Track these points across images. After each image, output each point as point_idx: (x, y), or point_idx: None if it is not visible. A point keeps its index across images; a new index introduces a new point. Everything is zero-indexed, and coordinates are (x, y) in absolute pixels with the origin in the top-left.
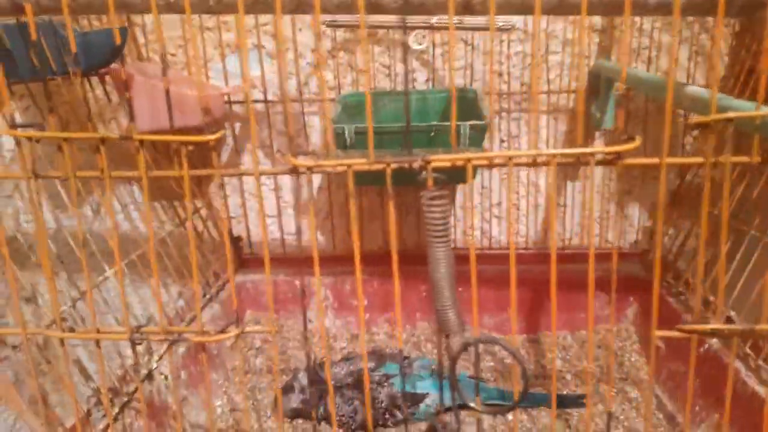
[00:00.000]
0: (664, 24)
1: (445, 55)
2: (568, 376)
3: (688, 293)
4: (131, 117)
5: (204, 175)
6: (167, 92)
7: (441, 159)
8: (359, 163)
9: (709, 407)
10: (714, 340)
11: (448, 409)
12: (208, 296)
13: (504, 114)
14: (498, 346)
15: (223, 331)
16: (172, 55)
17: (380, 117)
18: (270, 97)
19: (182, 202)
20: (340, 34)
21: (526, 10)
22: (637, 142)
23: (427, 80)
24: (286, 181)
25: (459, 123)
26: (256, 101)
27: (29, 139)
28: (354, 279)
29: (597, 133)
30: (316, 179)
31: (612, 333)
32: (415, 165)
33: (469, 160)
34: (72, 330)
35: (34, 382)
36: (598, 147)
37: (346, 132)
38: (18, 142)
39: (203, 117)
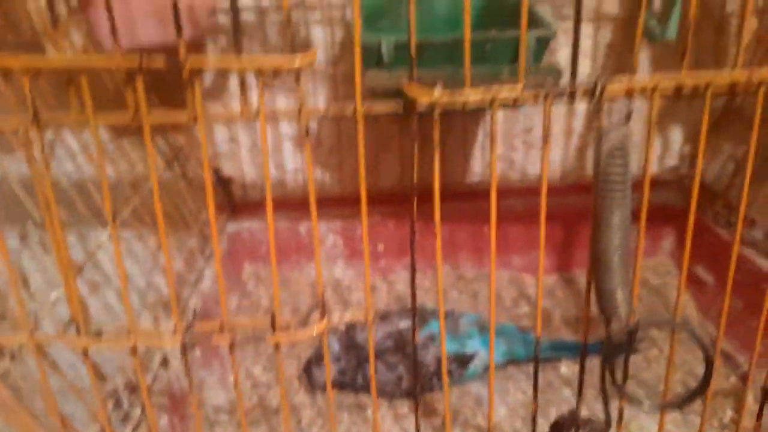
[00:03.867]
0: None
1: None
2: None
3: (747, 226)
4: (95, 32)
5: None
6: None
7: (621, 86)
8: (508, 92)
9: None
10: None
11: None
12: (207, 253)
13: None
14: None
15: (305, 324)
16: None
17: (404, 25)
18: (264, 4)
19: (162, 141)
20: None
21: None
22: None
23: None
24: (282, 105)
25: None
26: (246, 9)
27: None
28: (368, 222)
29: (646, 48)
30: (321, 103)
31: None
32: (582, 91)
33: (654, 88)
34: (99, 334)
35: (53, 403)
36: None
37: (384, 46)
38: None
39: (191, 30)
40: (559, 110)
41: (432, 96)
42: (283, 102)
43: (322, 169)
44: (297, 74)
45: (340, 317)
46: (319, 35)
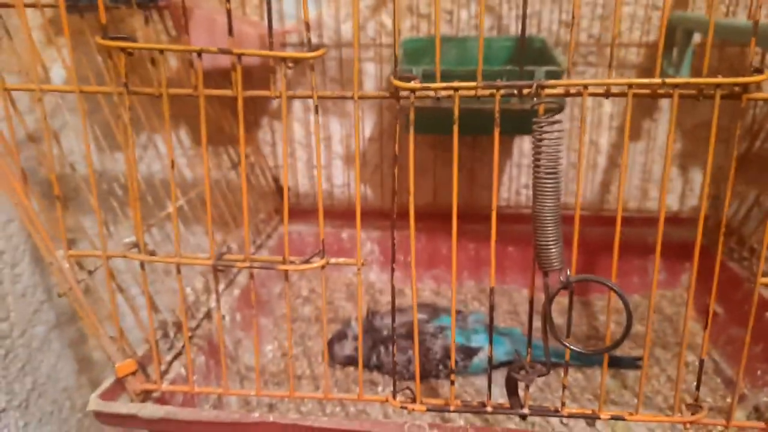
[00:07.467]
0: None
1: (512, 1)
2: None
3: (755, 259)
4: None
5: (252, 121)
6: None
7: (555, 84)
8: (467, 87)
9: None
10: None
11: (502, 364)
12: (258, 243)
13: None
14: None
15: (307, 261)
16: None
17: (443, 64)
18: (325, 41)
19: (232, 148)
20: None
21: None
22: (766, 74)
23: (492, 28)
24: (336, 131)
25: (534, 68)
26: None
27: (122, 50)
28: (402, 235)
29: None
30: (368, 129)
31: None
32: (527, 91)
33: (586, 86)
34: (153, 254)
35: (114, 307)
36: (722, 78)
37: (414, 73)
38: (109, 55)
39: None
40: (584, 146)
41: (407, 85)
42: (336, 125)
43: (366, 184)
44: (311, 65)
45: (336, 261)
46: (371, 70)
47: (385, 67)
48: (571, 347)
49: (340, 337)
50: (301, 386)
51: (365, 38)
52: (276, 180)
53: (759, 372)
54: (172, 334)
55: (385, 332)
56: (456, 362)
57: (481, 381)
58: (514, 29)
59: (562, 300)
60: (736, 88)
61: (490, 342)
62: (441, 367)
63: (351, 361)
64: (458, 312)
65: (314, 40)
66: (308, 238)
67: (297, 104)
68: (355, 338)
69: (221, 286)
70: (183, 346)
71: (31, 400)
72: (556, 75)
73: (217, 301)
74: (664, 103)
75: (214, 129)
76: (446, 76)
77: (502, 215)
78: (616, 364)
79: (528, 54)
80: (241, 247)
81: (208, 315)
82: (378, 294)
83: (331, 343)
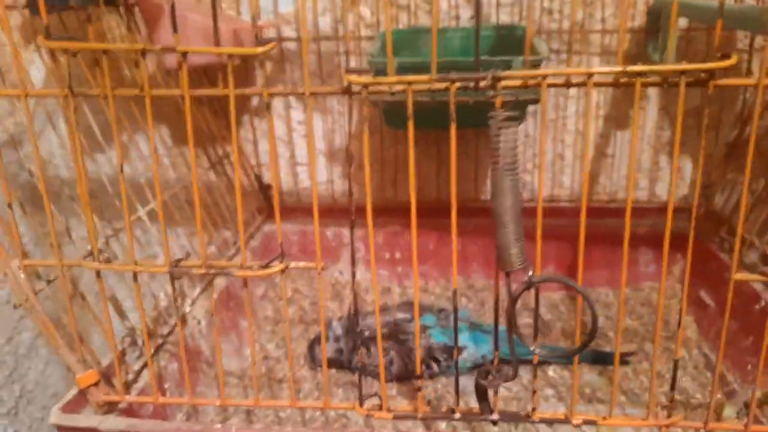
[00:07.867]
0: None
1: None
2: (611, 334)
3: (745, 249)
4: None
5: (234, 118)
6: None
7: (512, 75)
8: (420, 80)
9: (765, 366)
10: None
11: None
12: (238, 244)
13: (553, 55)
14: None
15: (267, 266)
16: None
17: (422, 55)
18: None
19: (211, 147)
20: None
21: None
22: (734, 59)
23: (472, 17)
24: (318, 126)
25: (511, 58)
26: (289, 39)
27: (65, 51)
28: (387, 231)
29: None
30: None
31: None
32: (483, 83)
33: (544, 77)
34: (109, 261)
35: (71, 317)
36: (687, 64)
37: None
38: (53, 56)
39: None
40: (570, 136)
41: (358, 80)
42: (318, 121)
43: (348, 181)
44: (261, 61)
45: (295, 264)
46: (350, 63)
47: (363, 60)
48: (536, 351)
49: (321, 338)
50: (281, 390)
51: (344, 31)
52: (258, 178)
53: (749, 366)
54: (140, 342)
55: (367, 333)
56: (439, 362)
57: (465, 381)
58: (494, 18)
59: (548, 295)
60: (703, 75)
61: (455, 346)
62: (423, 367)
63: (332, 363)
64: (441, 310)
65: (292, 34)
66: (292, 237)
67: (277, 100)
68: (336, 340)
69: (196, 291)
70: (152, 355)
71: (20, 408)
72: (536, 64)
73: (176, 307)
74: (652, 91)
75: (194, 129)
76: (421, 69)
77: (482, 210)
78: (602, 360)
79: (509, 43)
80: (221, 250)
81: (182, 320)
82: (364, 293)
83: (312, 345)
